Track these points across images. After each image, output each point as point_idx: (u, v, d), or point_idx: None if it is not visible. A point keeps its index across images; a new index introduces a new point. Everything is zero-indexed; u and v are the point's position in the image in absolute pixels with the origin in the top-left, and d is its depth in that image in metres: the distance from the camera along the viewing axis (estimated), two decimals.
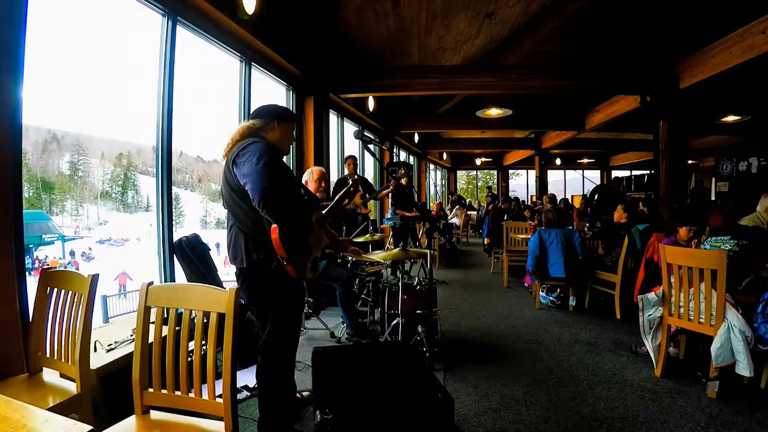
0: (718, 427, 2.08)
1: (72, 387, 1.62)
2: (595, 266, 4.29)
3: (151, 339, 1.47)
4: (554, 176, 16.35)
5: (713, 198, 9.54)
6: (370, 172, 8.84)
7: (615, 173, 17.18)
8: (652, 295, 2.78)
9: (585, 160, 16.39)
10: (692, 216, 3.09)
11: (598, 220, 6.25)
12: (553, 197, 7.66)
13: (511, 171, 19.42)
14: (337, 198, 1.98)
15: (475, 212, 12.47)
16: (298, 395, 2.25)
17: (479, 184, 23.85)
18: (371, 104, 6.85)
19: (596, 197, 8.20)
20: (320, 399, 1.68)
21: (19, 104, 1.85)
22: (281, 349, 1.83)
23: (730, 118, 7.59)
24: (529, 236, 4.92)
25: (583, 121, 8.51)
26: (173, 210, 3.10)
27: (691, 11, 4.19)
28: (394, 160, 7.71)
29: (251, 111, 1.91)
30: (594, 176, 17.84)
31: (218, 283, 3.09)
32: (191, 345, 1.53)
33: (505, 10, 4.39)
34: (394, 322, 2.97)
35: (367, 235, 3.62)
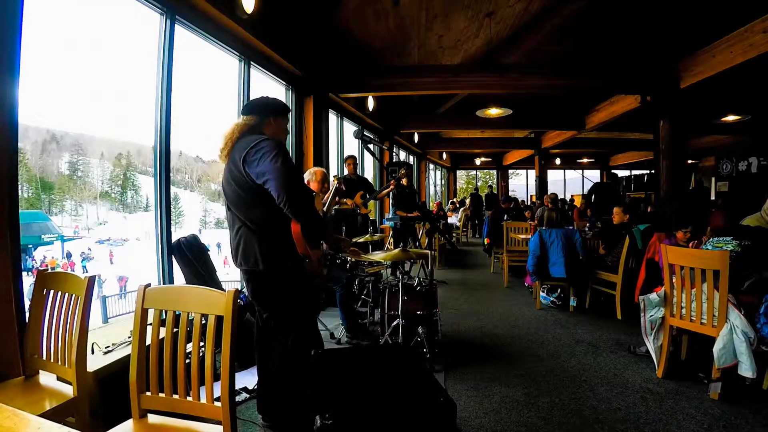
0: (720, 429, 2.07)
1: (69, 390, 1.60)
2: (595, 266, 4.27)
3: (148, 341, 1.45)
4: (554, 176, 16.33)
5: (713, 198, 9.53)
6: (370, 172, 8.82)
7: (615, 173, 17.15)
8: (654, 296, 2.76)
9: (585, 160, 16.36)
10: (690, 217, 3.07)
11: (599, 219, 6.23)
12: (555, 197, 7.61)
13: (510, 171, 19.40)
14: (329, 201, 2.02)
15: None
16: None
17: (479, 183, 23.85)
18: (371, 104, 6.82)
19: (593, 197, 8.15)
20: (320, 403, 1.65)
21: (15, 103, 1.83)
22: (306, 346, 1.89)
23: (731, 118, 7.58)
24: (530, 236, 4.90)
25: (583, 120, 8.49)
26: (172, 210, 3.08)
27: (692, 10, 4.18)
28: (394, 160, 7.70)
29: (243, 105, 1.92)
30: (594, 176, 17.83)
31: (217, 284, 3.07)
32: (189, 347, 1.51)
33: (505, 10, 4.37)
34: (395, 323, 2.95)
35: (367, 236, 3.60)
